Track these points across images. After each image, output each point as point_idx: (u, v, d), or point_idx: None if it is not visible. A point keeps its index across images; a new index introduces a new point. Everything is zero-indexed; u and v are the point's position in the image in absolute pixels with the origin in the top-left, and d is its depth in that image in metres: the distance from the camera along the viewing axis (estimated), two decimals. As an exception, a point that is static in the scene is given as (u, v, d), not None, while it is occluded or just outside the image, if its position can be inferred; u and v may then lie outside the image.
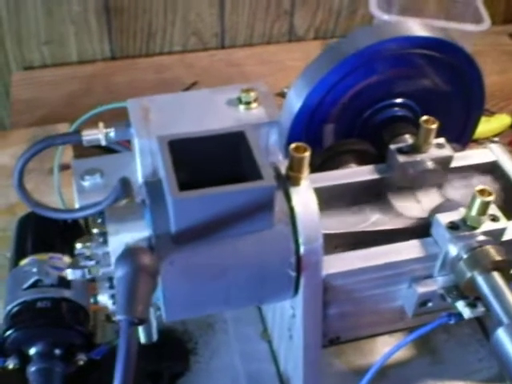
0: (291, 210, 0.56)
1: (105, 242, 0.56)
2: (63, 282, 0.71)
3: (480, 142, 1.16)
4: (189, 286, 0.54)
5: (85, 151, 1.01)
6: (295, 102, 0.73)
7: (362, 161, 0.72)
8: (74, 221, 0.83)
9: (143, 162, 0.68)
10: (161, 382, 0.74)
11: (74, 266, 0.58)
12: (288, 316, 0.64)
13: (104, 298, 0.57)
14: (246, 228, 0.54)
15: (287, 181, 0.57)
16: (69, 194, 0.81)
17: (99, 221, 0.58)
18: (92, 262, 0.57)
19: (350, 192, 0.68)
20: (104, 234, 0.56)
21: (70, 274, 0.57)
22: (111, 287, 0.56)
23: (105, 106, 0.91)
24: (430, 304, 0.64)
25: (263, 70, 1.37)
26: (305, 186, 0.57)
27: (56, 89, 1.30)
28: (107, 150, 1.05)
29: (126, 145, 1.00)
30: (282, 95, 1.20)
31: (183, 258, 0.53)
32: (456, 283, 0.61)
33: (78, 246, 0.58)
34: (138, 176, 0.71)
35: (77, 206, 0.80)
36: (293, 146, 0.56)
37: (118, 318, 0.45)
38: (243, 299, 0.58)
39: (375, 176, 0.69)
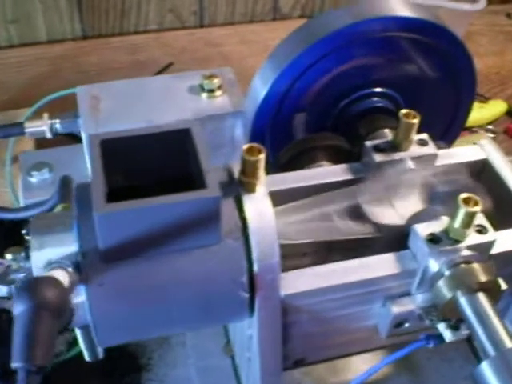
0: (243, 221, 0.48)
1: (28, 258, 0.48)
2: (3, 291, 0.64)
3: (473, 130, 1.08)
4: (122, 309, 0.47)
5: (47, 141, 0.94)
6: (260, 88, 0.66)
7: (334, 158, 0.64)
8: (23, 221, 0.75)
9: (91, 157, 0.61)
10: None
11: (1, 280, 0.51)
12: (246, 336, 0.56)
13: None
14: (188, 244, 0.46)
15: (240, 187, 0.49)
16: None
17: (24, 232, 0.51)
18: (22, 275, 0.50)
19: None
20: (28, 248, 0.49)
21: (-5, 290, 0.50)
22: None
23: (57, 92, 0.82)
24: (406, 325, 0.56)
25: (245, 51, 1.28)
26: (260, 193, 0.49)
27: (23, 70, 1.22)
28: (76, 138, 0.98)
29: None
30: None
31: (114, 278, 0.46)
32: (436, 303, 0.53)
33: (8, 256, 0.51)
34: (89, 172, 0.64)
35: (21, 204, 0.73)
36: (245, 147, 0.48)
37: (13, 365, 0.37)
38: (189, 322, 0.51)
39: (347, 177, 0.60)
